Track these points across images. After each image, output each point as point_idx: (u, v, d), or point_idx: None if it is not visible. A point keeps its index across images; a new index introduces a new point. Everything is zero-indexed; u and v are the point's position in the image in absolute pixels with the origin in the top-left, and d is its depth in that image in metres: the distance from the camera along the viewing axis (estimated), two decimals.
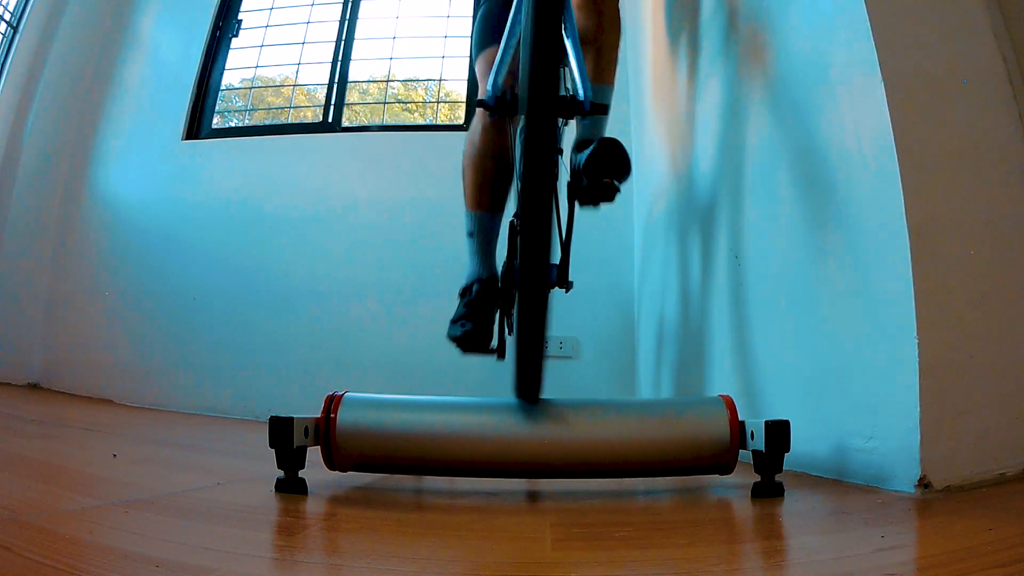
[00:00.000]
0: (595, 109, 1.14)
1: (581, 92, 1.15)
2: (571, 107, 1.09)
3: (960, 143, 0.97)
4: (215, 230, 2.83)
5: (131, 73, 3.15)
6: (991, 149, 0.98)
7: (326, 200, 2.81)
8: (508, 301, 1.80)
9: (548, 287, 0.91)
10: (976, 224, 0.94)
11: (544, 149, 0.85)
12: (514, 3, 1.26)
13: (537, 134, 0.84)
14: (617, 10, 1.43)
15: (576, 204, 1.33)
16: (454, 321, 1.37)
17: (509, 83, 1.16)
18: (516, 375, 0.98)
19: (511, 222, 1.72)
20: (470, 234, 1.45)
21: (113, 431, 1.83)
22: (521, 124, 0.87)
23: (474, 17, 1.54)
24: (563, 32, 1.16)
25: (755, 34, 1.38)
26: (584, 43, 1.36)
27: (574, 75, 1.16)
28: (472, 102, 2.92)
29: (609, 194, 1.22)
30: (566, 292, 1.45)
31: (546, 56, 0.84)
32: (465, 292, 1.41)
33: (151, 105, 3.06)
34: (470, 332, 1.32)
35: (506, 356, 1.52)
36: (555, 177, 0.87)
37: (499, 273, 1.43)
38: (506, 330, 1.97)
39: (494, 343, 1.38)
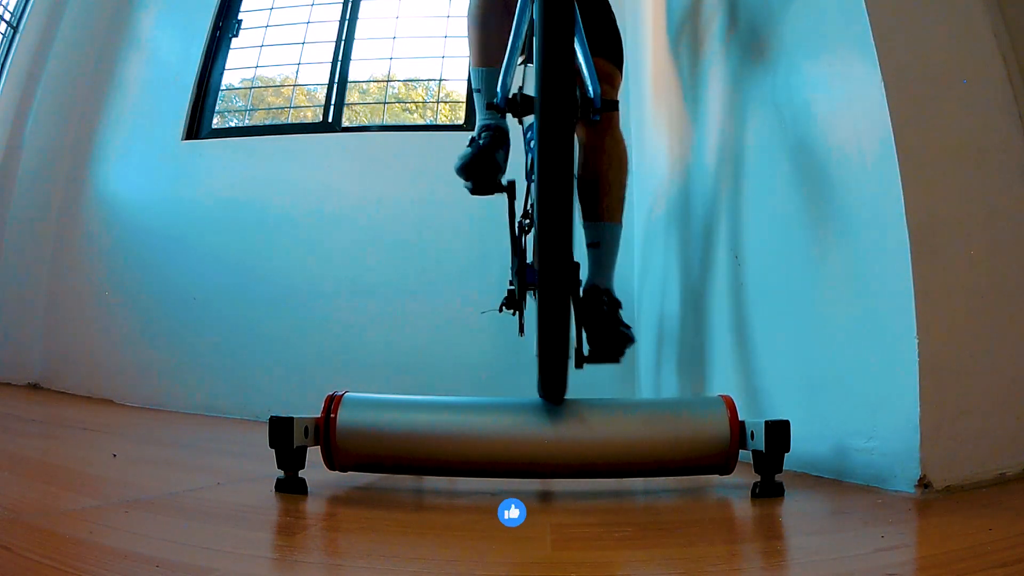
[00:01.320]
0: (606, 106, 1.15)
1: (591, 90, 1.16)
2: (583, 106, 1.09)
3: (960, 143, 0.96)
4: (215, 230, 2.83)
5: (131, 73, 3.15)
6: (991, 149, 0.98)
7: (326, 200, 2.81)
8: (516, 302, 1.80)
9: (570, 288, 0.89)
10: (976, 224, 0.94)
11: (560, 149, 0.83)
12: (518, 4, 1.26)
13: (552, 135, 0.83)
14: (622, 147, 1.45)
15: (577, 202, 1.34)
16: (463, 158, 1.37)
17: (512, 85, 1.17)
18: (540, 377, 0.97)
19: (519, 222, 1.72)
20: (477, 90, 1.45)
21: (113, 431, 1.83)
22: (533, 127, 0.87)
23: None
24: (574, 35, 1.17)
25: (755, 34, 1.38)
26: (591, 181, 1.39)
27: (584, 76, 1.16)
28: (471, 102, 2.92)
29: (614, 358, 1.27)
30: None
31: (559, 54, 0.83)
32: (474, 139, 1.41)
33: (151, 105, 3.06)
34: (479, 166, 1.34)
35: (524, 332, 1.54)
36: (572, 175, 0.86)
37: (506, 127, 1.43)
38: (519, 331, 1.97)
39: (503, 182, 1.39)
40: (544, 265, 0.87)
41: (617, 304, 1.37)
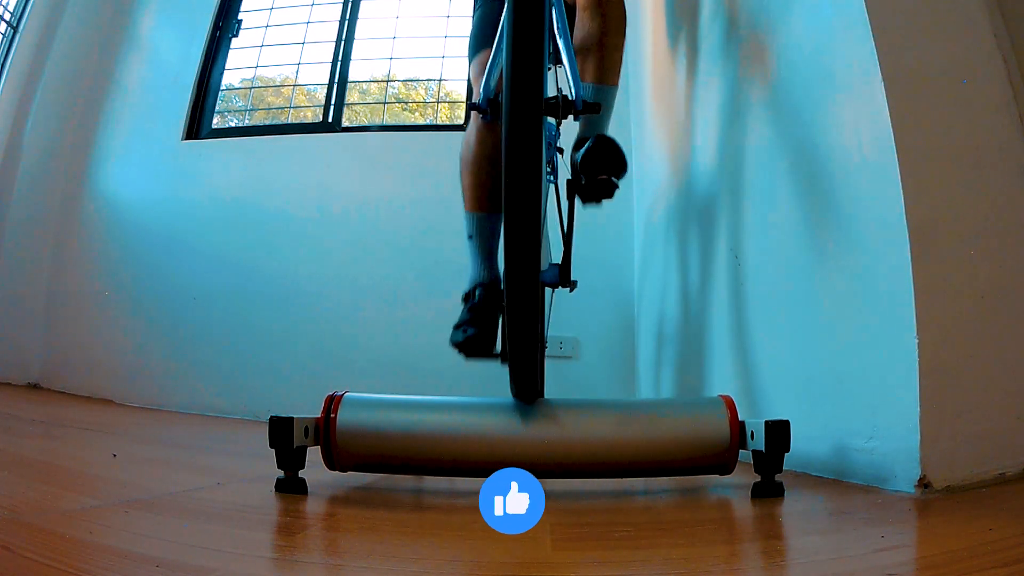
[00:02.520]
0: (587, 108, 1.14)
1: (572, 92, 1.15)
2: (564, 107, 1.09)
3: (960, 143, 0.96)
4: (215, 230, 2.83)
5: (131, 73, 3.15)
6: (991, 149, 0.98)
7: (326, 200, 2.81)
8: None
9: (536, 283, 0.89)
10: (976, 224, 0.94)
11: (525, 142, 0.83)
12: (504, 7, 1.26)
13: (518, 129, 0.83)
14: (623, 11, 1.43)
15: (577, 202, 1.33)
16: (457, 327, 1.36)
17: (501, 86, 1.16)
18: (511, 375, 0.97)
19: None
20: (470, 236, 1.44)
21: (113, 431, 1.83)
22: (503, 123, 0.86)
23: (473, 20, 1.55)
24: (555, 31, 1.16)
25: (755, 34, 1.38)
26: (588, 44, 1.36)
27: (567, 74, 1.15)
28: (470, 103, 2.93)
29: (608, 191, 1.22)
30: (570, 291, 1.45)
31: (526, 52, 0.82)
32: (468, 297, 1.40)
33: (151, 105, 3.06)
34: (473, 337, 1.31)
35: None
36: (538, 172, 0.85)
37: (502, 275, 1.43)
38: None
39: (498, 348, 1.37)
40: (509, 260, 0.87)
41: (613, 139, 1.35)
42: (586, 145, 1.20)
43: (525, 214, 0.84)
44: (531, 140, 0.83)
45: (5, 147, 2.91)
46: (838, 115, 1.07)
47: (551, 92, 1.16)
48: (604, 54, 1.37)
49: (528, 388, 0.97)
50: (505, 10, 0.85)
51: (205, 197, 2.88)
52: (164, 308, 2.80)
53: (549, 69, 1.49)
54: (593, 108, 1.14)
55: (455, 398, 1.05)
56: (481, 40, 1.45)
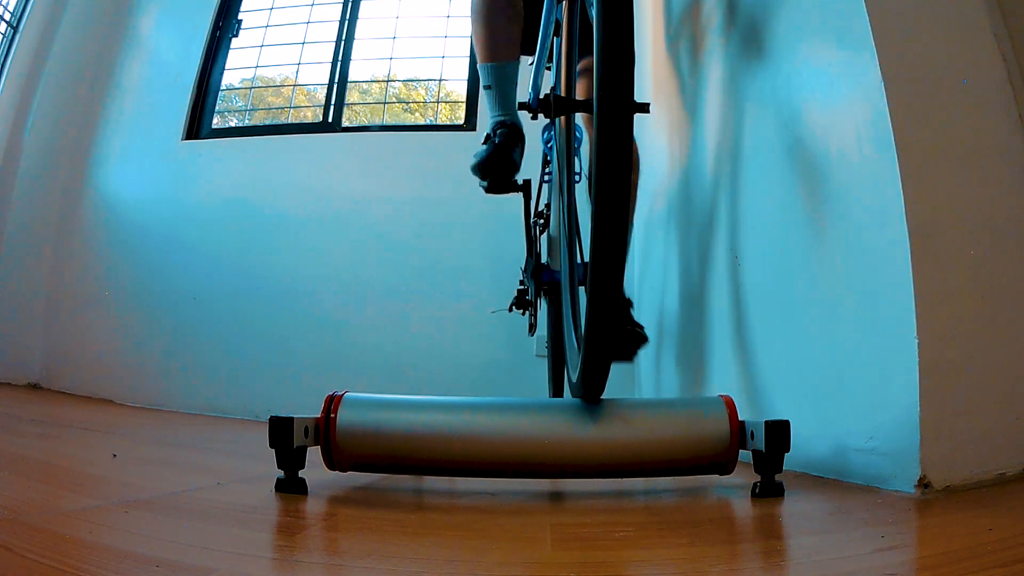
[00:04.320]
0: (637, 107, 1.14)
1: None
2: (639, 107, 1.09)
3: (960, 143, 0.96)
4: (215, 230, 2.83)
5: (131, 73, 3.15)
6: (991, 149, 0.98)
7: (326, 200, 2.81)
8: (527, 302, 1.79)
9: (621, 284, 0.88)
10: (976, 224, 0.94)
11: (620, 148, 0.82)
12: (544, 6, 1.26)
13: (612, 132, 0.81)
14: (635, 150, 1.45)
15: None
16: (479, 157, 1.37)
17: (554, 86, 1.16)
18: (583, 376, 0.96)
19: (532, 222, 1.71)
20: (487, 87, 1.44)
21: (113, 431, 1.83)
22: (555, 124, 0.85)
23: None
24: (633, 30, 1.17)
25: (754, 34, 1.38)
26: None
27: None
28: (472, 102, 2.92)
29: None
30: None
31: (620, 51, 0.81)
32: (489, 138, 1.41)
33: (151, 105, 3.06)
34: (497, 164, 1.35)
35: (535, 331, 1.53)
36: (628, 172, 0.84)
37: (520, 123, 1.43)
38: (528, 329, 1.96)
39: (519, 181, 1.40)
40: (597, 264, 0.86)
41: (628, 303, 1.36)
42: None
43: (614, 215, 0.83)
44: (624, 140, 0.82)
45: (5, 147, 2.91)
46: (838, 114, 1.07)
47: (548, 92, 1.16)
48: None
49: (597, 388, 0.97)
50: (596, 9, 0.83)
51: (205, 197, 2.89)
52: (164, 308, 2.80)
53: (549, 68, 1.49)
54: (643, 108, 1.15)
55: (455, 398, 1.05)
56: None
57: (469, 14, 1.46)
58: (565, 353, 1.24)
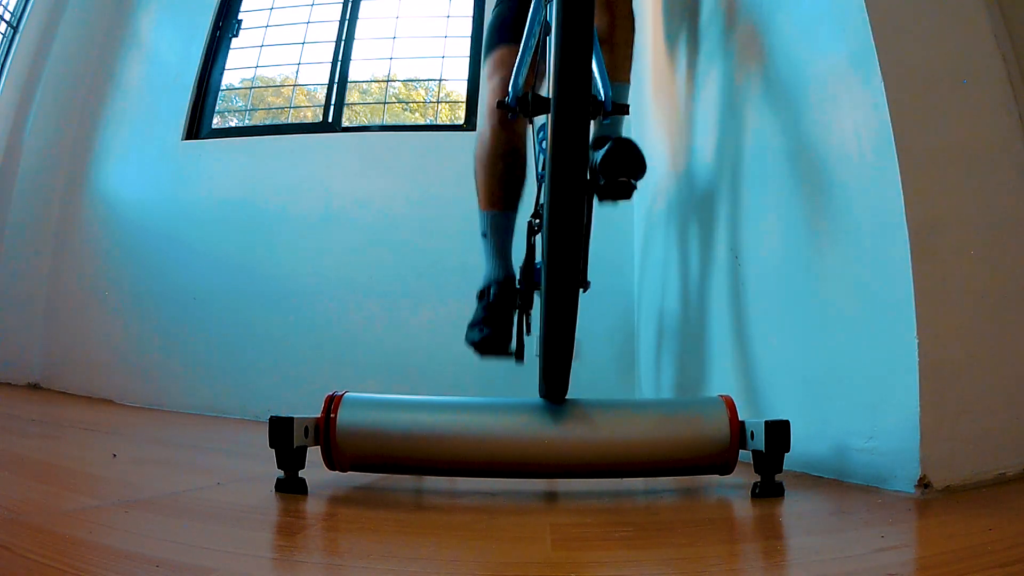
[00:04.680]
0: (616, 109, 1.14)
1: (602, 92, 1.15)
2: (593, 107, 1.08)
3: (960, 143, 0.96)
4: (215, 230, 2.83)
5: (131, 73, 3.15)
6: (991, 149, 0.98)
7: (326, 200, 2.81)
8: (526, 302, 1.79)
9: (577, 287, 0.89)
10: (976, 224, 0.94)
11: (574, 148, 0.83)
12: (532, 4, 1.25)
13: (567, 133, 0.82)
14: (630, 7, 1.43)
15: (594, 202, 1.34)
16: (472, 325, 1.35)
17: (530, 84, 1.16)
18: (543, 376, 0.97)
19: (529, 222, 1.72)
20: (484, 234, 1.44)
21: (113, 431, 1.83)
22: (546, 123, 0.86)
23: (483, 21, 1.54)
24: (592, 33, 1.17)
25: (754, 33, 1.38)
26: (605, 41, 1.36)
27: (594, 74, 1.16)
28: (472, 102, 2.92)
29: (626, 192, 1.23)
30: (583, 292, 1.45)
31: (577, 53, 0.82)
32: (483, 295, 1.40)
33: (151, 105, 3.06)
34: (489, 336, 1.31)
35: (524, 358, 1.54)
36: (585, 176, 0.85)
37: (516, 274, 1.42)
38: (524, 331, 1.96)
39: (513, 346, 1.36)
40: (552, 264, 0.87)
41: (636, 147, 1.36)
42: (606, 147, 1.21)
43: (569, 216, 0.84)
44: (579, 140, 0.83)
45: (5, 147, 2.91)
46: (838, 115, 1.07)
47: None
48: (614, 51, 1.37)
49: (559, 389, 0.97)
50: (554, 9, 0.84)
51: (205, 197, 2.88)
52: (164, 308, 2.80)
53: None
54: (622, 109, 1.14)
55: (455, 398, 1.05)
56: (500, 35, 1.44)
57: (473, 156, 1.45)
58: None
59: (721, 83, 1.54)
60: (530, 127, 1.36)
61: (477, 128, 1.44)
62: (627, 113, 1.20)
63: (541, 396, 1.02)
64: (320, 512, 0.85)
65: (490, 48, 1.46)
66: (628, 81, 1.41)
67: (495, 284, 1.38)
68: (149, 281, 2.83)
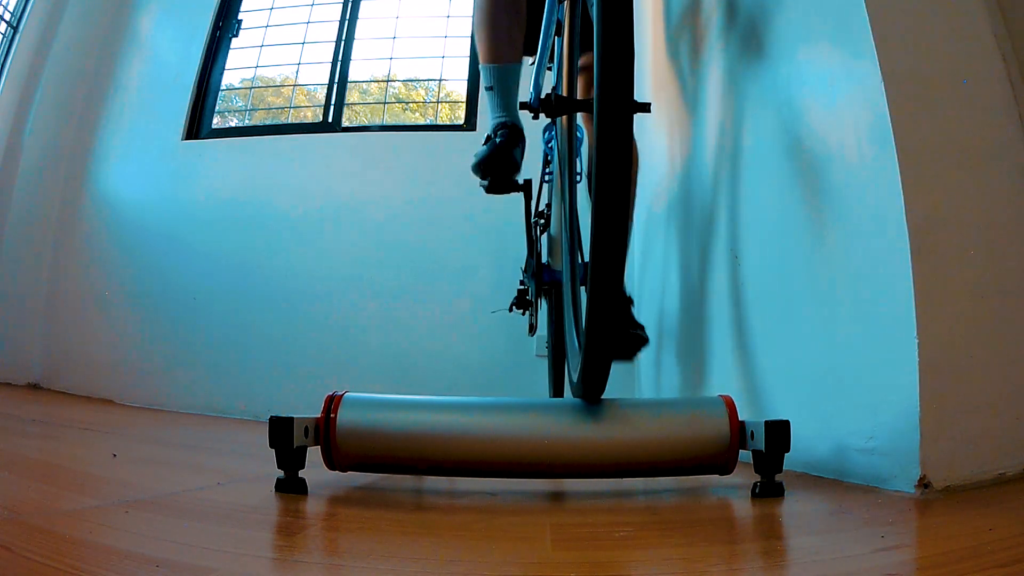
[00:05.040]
0: (638, 107, 1.14)
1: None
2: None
3: (960, 143, 0.96)
4: (215, 230, 2.83)
5: (131, 73, 3.15)
6: (991, 149, 0.98)
7: (326, 200, 2.81)
8: (527, 301, 1.79)
9: (621, 284, 0.88)
10: (976, 223, 0.94)
11: (620, 148, 0.82)
12: (547, 5, 1.26)
13: (613, 130, 0.82)
14: (634, 147, 1.45)
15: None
16: (481, 162, 1.38)
17: (556, 85, 1.16)
18: (583, 376, 0.97)
19: (532, 221, 1.72)
20: (488, 87, 1.44)
21: (113, 431, 1.83)
22: (553, 124, 0.85)
23: None
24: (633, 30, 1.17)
25: (754, 34, 1.38)
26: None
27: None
28: (472, 102, 2.92)
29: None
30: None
31: (620, 50, 0.81)
32: (489, 138, 1.41)
33: (151, 105, 3.06)
34: (497, 171, 1.35)
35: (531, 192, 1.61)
36: (629, 169, 0.84)
37: (521, 124, 1.43)
38: (528, 329, 1.96)
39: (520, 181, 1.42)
40: (597, 264, 0.86)
41: (628, 301, 1.36)
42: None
43: (614, 215, 0.83)
44: (624, 139, 0.82)
45: (5, 147, 2.91)
46: (838, 115, 1.07)
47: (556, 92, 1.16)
48: None
49: (597, 388, 0.97)
50: (595, 8, 0.84)
51: (205, 197, 2.89)
52: (164, 308, 2.80)
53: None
54: (644, 107, 1.15)
55: (455, 398, 1.05)
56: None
57: (472, 14, 1.46)
58: (566, 353, 1.24)
59: (721, 83, 1.54)
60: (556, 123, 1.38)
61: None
62: (648, 111, 1.20)
63: (576, 396, 1.02)
64: (320, 512, 0.85)
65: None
66: (632, 220, 1.49)
67: (502, 127, 1.40)
68: (149, 281, 2.83)
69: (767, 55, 1.31)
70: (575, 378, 1.02)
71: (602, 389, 0.97)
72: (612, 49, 0.81)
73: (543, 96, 1.06)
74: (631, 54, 0.82)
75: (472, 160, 1.39)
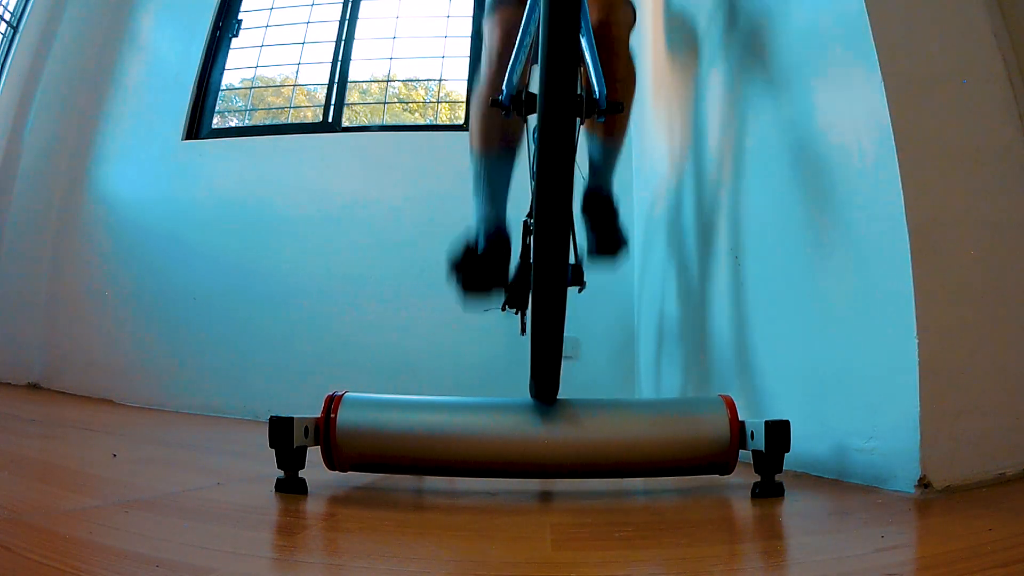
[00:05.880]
0: (611, 108, 1.14)
1: (597, 91, 1.15)
2: (588, 105, 1.09)
3: (960, 143, 0.96)
4: (215, 230, 2.83)
5: (131, 73, 3.15)
6: (991, 149, 0.98)
7: (326, 200, 2.81)
8: (518, 300, 1.79)
9: (565, 287, 0.89)
10: (976, 224, 0.94)
11: (561, 149, 0.83)
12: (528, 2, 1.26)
13: (554, 133, 0.83)
14: (633, 70, 1.44)
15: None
16: (457, 265, 1.31)
17: (524, 82, 1.16)
18: (533, 376, 0.97)
19: (524, 221, 1.72)
20: (477, 176, 1.40)
21: (113, 431, 1.83)
22: (536, 124, 0.87)
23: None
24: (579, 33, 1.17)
25: (755, 34, 1.38)
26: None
27: (590, 74, 1.16)
28: (470, 99, 2.92)
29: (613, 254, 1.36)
30: (579, 292, 1.45)
31: (563, 54, 0.82)
32: (470, 250, 1.33)
33: (151, 105, 3.06)
34: (474, 290, 1.32)
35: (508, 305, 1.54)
36: (571, 177, 0.85)
37: (508, 232, 1.37)
38: (519, 329, 1.96)
39: (491, 296, 1.37)
40: (540, 264, 0.87)
41: (617, 210, 1.40)
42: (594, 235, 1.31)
43: (556, 216, 0.84)
44: (565, 141, 0.83)
45: (5, 147, 2.91)
46: (838, 115, 1.07)
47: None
48: (613, 119, 1.38)
49: (550, 389, 0.98)
50: (541, 8, 0.84)
51: (205, 197, 2.88)
52: (164, 308, 2.80)
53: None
54: (616, 108, 1.15)
55: (454, 398, 1.05)
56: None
57: (468, 110, 1.45)
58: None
59: (721, 83, 1.54)
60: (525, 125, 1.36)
61: (480, 71, 1.41)
62: (622, 111, 1.20)
63: (532, 396, 1.02)
64: (320, 512, 0.85)
65: (492, 9, 1.44)
66: (623, 143, 1.45)
67: (486, 238, 1.33)
68: (149, 281, 2.83)
69: (767, 55, 1.31)
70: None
71: (555, 390, 0.98)
72: (556, 52, 0.82)
73: (515, 94, 1.06)
74: (575, 57, 0.83)
75: (452, 272, 1.31)
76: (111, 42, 3.20)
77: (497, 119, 1.32)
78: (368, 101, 3.22)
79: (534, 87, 1.14)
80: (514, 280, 1.46)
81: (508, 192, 1.38)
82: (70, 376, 2.84)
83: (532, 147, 1.45)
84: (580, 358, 2.54)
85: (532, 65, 1.41)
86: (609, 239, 1.35)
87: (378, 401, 1.01)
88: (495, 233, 1.34)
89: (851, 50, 1.03)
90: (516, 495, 1.02)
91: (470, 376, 2.59)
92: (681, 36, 1.89)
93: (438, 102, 3.22)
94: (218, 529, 0.73)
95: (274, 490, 0.91)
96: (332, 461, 0.99)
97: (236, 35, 3.17)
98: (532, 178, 1.69)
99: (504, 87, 1.21)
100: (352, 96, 3.12)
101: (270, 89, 3.28)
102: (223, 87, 3.16)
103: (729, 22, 1.52)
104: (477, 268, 1.29)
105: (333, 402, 0.99)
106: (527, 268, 1.67)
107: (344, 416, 0.97)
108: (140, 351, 2.78)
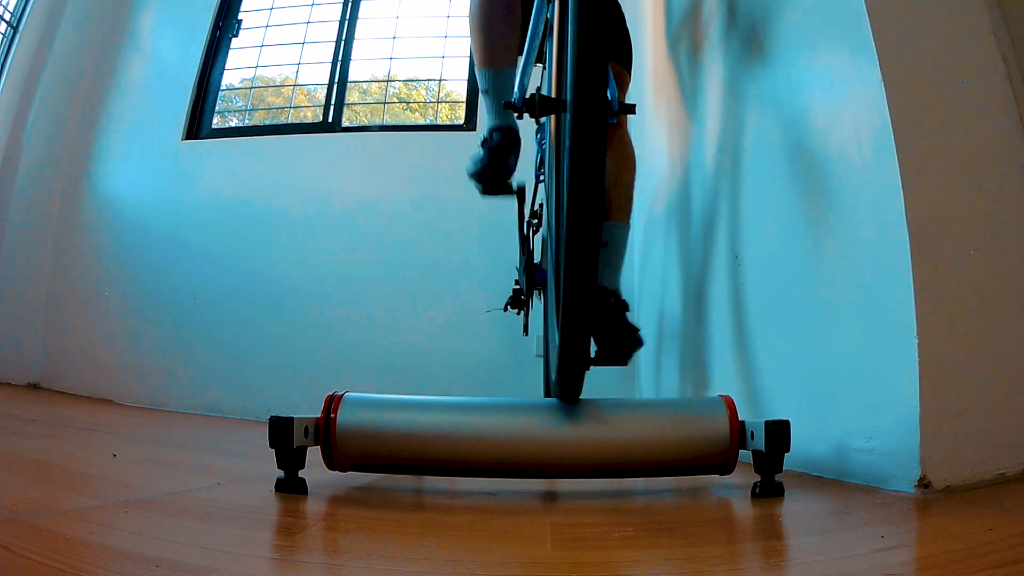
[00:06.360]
0: (623, 109, 1.15)
1: (608, 94, 1.15)
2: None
3: (960, 143, 0.96)
4: (215, 230, 2.83)
5: (131, 73, 3.15)
6: (991, 149, 0.98)
7: (326, 200, 2.81)
8: (521, 301, 1.78)
9: (594, 284, 0.89)
10: (976, 224, 0.94)
11: (592, 150, 0.83)
12: (535, 4, 1.26)
13: (586, 132, 0.82)
14: (631, 150, 1.46)
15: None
16: (476, 165, 1.38)
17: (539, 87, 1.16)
18: (559, 377, 0.97)
19: (528, 220, 1.71)
20: (484, 91, 1.43)
21: (113, 431, 1.83)
22: (547, 124, 0.86)
23: None
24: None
25: (755, 34, 1.38)
26: None
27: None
28: (472, 102, 2.92)
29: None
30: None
31: (594, 54, 0.82)
32: (486, 141, 1.40)
33: (151, 105, 3.06)
34: (491, 174, 1.35)
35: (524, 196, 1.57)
36: (603, 174, 0.85)
37: (516, 127, 1.42)
38: (523, 331, 1.96)
39: (515, 185, 1.42)
40: (570, 265, 0.86)
41: (624, 306, 1.37)
42: (601, 329, 1.25)
43: (586, 216, 0.84)
44: (598, 141, 0.83)
45: (5, 147, 2.91)
46: (838, 115, 1.07)
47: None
48: (615, 192, 1.40)
49: (574, 389, 0.97)
50: (570, 9, 0.84)
51: (205, 197, 2.89)
52: (164, 308, 2.80)
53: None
54: (629, 109, 1.15)
55: (454, 398, 1.05)
56: None
57: (467, 16, 1.45)
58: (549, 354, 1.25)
59: (721, 83, 1.54)
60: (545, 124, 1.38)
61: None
62: (633, 112, 1.20)
63: (555, 396, 1.02)
64: (320, 512, 0.85)
65: None
66: (628, 222, 1.45)
67: (496, 130, 1.39)
68: (149, 281, 2.83)
69: (767, 55, 1.31)
70: (553, 377, 1.02)
71: (579, 390, 0.98)
72: (586, 52, 0.82)
73: (527, 96, 1.06)
74: (605, 57, 0.83)
75: (468, 165, 1.39)
76: (111, 42, 3.20)
77: (499, 29, 1.35)
78: (368, 101, 3.22)
79: (543, 88, 1.14)
80: (519, 281, 1.46)
81: (513, 96, 1.42)
82: (70, 376, 2.84)
83: (547, 148, 1.45)
84: None
85: (538, 66, 1.42)
86: (619, 342, 1.28)
87: (378, 401, 1.01)
88: (505, 130, 1.39)
89: (851, 50, 1.03)
90: (516, 495, 1.02)
91: (470, 376, 2.59)
92: (681, 36, 1.89)
93: (438, 102, 3.22)
94: (218, 529, 0.73)
95: (274, 490, 0.91)
96: (332, 461, 0.99)
97: (236, 35, 3.17)
98: (542, 178, 1.69)
99: (516, 90, 1.21)
100: (352, 96, 3.12)
101: (270, 89, 3.28)
102: (223, 87, 3.16)
103: (729, 22, 1.52)
104: (493, 163, 1.35)
105: (333, 402, 0.99)
106: (531, 268, 1.67)
107: (344, 416, 0.97)
108: (140, 351, 2.79)
